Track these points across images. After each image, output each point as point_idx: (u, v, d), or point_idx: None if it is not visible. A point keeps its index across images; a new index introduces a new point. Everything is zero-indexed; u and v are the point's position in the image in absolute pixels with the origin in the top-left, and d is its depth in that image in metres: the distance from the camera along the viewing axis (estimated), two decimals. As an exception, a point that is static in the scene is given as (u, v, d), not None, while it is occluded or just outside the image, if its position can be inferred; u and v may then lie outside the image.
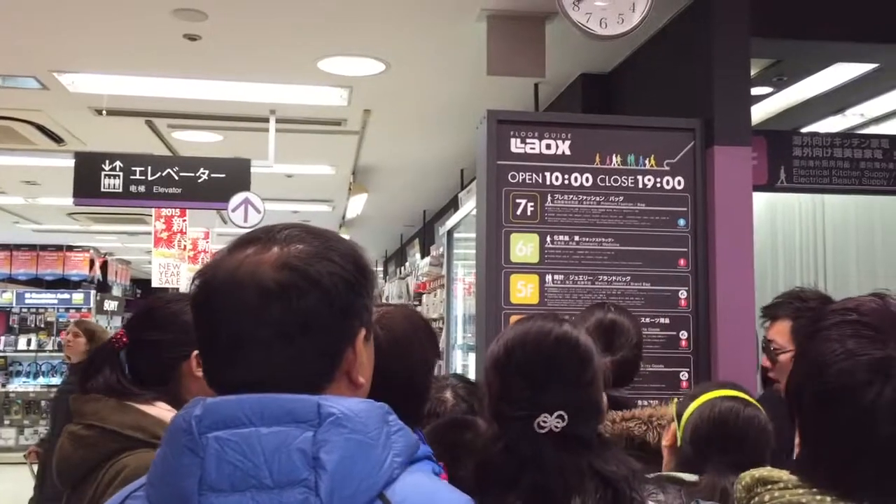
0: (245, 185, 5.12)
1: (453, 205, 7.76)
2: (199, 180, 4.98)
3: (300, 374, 0.91)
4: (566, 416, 1.36)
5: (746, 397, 1.75)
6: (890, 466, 0.89)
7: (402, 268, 11.19)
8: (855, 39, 4.02)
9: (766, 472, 0.99)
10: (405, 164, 7.31)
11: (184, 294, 2.19)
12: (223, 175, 5.02)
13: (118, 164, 4.91)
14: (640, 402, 2.75)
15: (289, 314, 0.90)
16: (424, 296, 8.13)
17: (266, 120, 5.31)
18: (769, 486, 0.97)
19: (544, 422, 1.35)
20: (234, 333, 0.92)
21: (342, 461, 0.84)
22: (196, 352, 1.77)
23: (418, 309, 8.95)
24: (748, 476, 1.00)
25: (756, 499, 0.97)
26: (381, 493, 0.85)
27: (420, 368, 1.56)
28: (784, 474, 0.97)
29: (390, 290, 11.83)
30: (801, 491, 0.94)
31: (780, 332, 2.43)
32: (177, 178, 4.94)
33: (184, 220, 8.69)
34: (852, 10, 3.95)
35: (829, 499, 0.91)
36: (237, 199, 5.09)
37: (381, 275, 16.90)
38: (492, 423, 1.46)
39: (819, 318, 1.00)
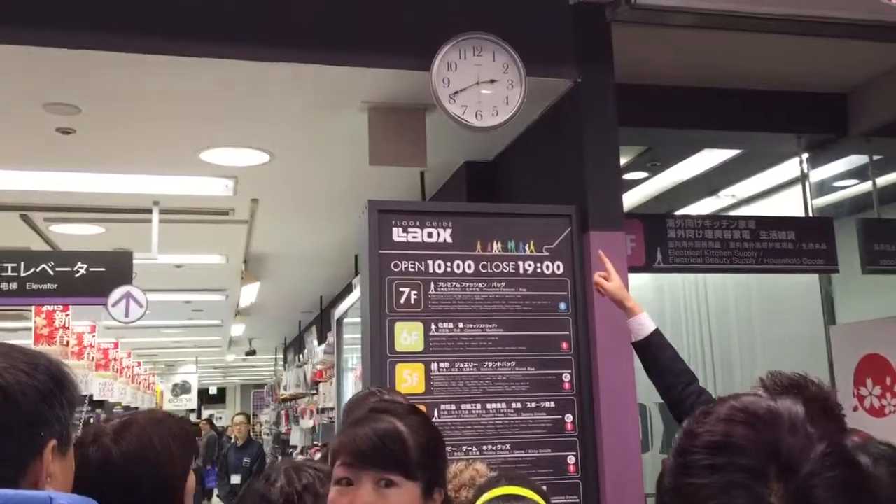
0: (126, 278, 4.95)
1: (348, 291, 7.71)
2: (77, 275, 4.78)
3: None
4: None
5: (530, 495, 1.73)
6: None
7: (301, 355, 10.97)
8: (718, 127, 4.28)
9: None
10: (298, 251, 7.25)
11: None
12: (102, 269, 4.84)
13: (-13, 260, 4.68)
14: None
15: None
16: (321, 384, 7.96)
17: (149, 211, 5.19)
18: None
19: None
20: None
21: None
22: None
23: (315, 398, 8.75)
24: None
25: None
26: None
27: (166, 474, 1.54)
28: None
29: (288, 379, 11.54)
30: None
31: None
32: (52, 273, 4.73)
33: (66, 315, 8.30)
34: (714, 101, 4.22)
35: None
36: (118, 293, 4.90)
37: (280, 363, 16.52)
38: None
39: (685, 451, 0.85)
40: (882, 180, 4.56)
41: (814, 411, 0.82)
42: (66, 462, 1.04)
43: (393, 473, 1.39)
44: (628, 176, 4.94)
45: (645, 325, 2.63)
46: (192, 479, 1.61)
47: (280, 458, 11.86)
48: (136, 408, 11.95)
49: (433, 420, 3.06)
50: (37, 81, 3.34)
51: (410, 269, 3.23)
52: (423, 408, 3.15)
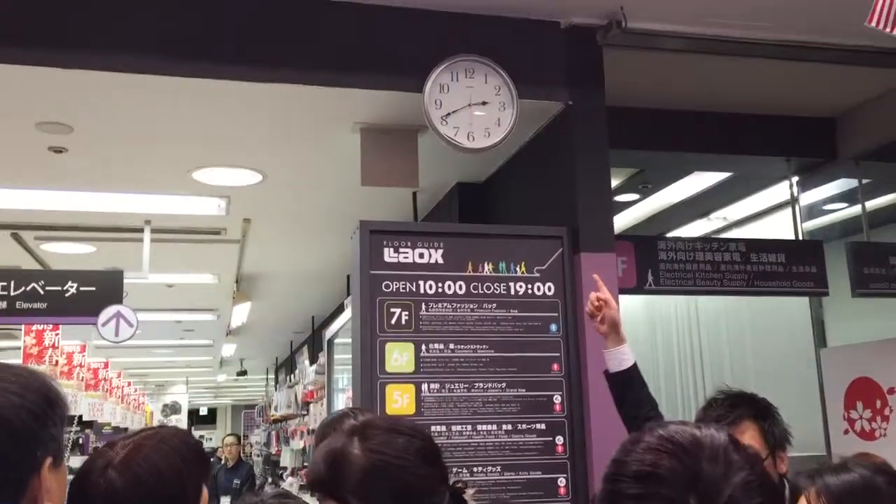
0: (117, 297, 4.92)
1: (340, 311, 7.70)
2: (67, 294, 4.76)
3: None
4: None
5: None
6: None
7: (292, 375, 10.92)
8: (709, 150, 4.31)
9: None
10: (290, 271, 7.24)
11: None
12: (93, 288, 4.82)
13: (-23, 279, 4.65)
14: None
15: None
16: (312, 405, 7.92)
17: (141, 230, 5.18)
18: None
19: None
20: None
21: None
22: None
23: (305, 419, 8.70)
24: None
25: None
26: None
27: (175, 496, 1.41)
28: None
29: (279, 399, 11.49)
30: None
31: (754, 439, 2.23)
32: (42, 292, 4.71)
33: (56, 335, 8.25)
34: (704, 124, 4.25)
35: None
36: (108, 312, 4.88)
37: (271, 383, 16.44)
38: None
39: (615, 478, 0.88)
40: (871, 204, 4.59)
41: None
42: (60, 476, 1.08)
43: (330, 500, 1.29)
44: (620, 198, 4.97)
45: (628, 355, 2.56)
46: (205, 494, 1.59)
47: (269, 479, 11.78)
48: (126, 428, 11.87)
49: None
50: (30, 100, 3.34)
51: (402, 290, 3.23)
52: (413, 429, 3.14)
